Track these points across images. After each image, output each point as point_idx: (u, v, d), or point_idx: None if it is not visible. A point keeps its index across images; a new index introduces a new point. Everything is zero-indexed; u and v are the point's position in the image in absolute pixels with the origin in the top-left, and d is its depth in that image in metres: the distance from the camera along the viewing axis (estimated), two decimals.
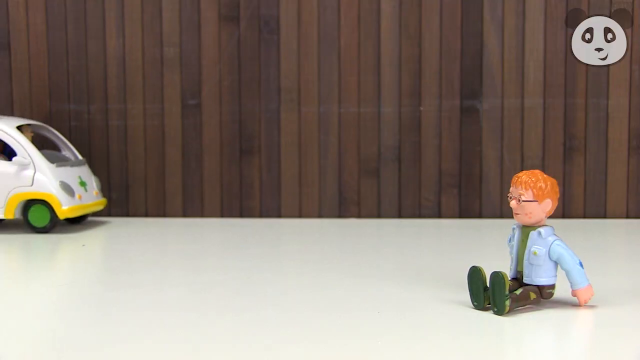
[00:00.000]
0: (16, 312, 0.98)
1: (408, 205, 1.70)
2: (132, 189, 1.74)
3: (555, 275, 0.95)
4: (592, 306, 0.96)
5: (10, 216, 1.51)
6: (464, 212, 1.70)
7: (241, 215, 1.73)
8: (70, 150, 1.63)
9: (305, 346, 0.84)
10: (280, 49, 1.70)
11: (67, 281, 1.14)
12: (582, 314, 0.94)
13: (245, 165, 1.72)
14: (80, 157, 1.63)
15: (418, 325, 0.92)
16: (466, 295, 0.97)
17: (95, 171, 1.73)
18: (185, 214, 1.72)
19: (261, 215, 1.72)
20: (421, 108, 1.69)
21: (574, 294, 0.96)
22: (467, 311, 0.95)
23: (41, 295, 1.06)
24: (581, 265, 0.95)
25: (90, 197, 1.59)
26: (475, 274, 0.95)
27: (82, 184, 1.57)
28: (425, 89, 1.69)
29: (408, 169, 1.70)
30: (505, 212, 1.67)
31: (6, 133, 1.51)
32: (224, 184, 1.72)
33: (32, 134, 1.58)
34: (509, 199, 0.96)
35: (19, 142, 1.51)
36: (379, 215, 1.71)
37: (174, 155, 1.73)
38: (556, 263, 0.95)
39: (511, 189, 0.96)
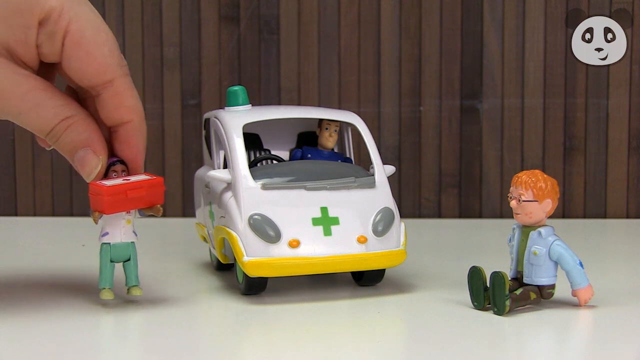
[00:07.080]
0: (19, 315, 0.98)
1: (408, 205, 1.70)
2: None
3: (555, 275, 0.95)
4: (592, 306, 0.96)
5: None
6: (464, 212, 1.70)
7: None
8: None
9: (304, 346, 0.84)
10: (280, 49, 1.70)
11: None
12: (582, 314, 0.94)
13: None
14: None
15: (418, 325, 0.92)
16: (466, 295, 0.97)
17: None
18: (185, 214, 1.72)
19: None
20: (421, 108, 1.69)
21: (574, 294, 0.96)
22: (467, 311, 0.95)
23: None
24: (581, 265, 0.95)
25: None
26: (475, 274, 0.96)
27: None
28: (425, 89, 1.69)
29: (408, 169, 1.70)
30: (505, 212, 1.67)
31: None
32: None
33: None
34: (509, 199, 0.96)
35: None
36: None
37: (174, 155, 1.73)
38: (556, 263, 0.95)
39: (511, 189, 0.96)
